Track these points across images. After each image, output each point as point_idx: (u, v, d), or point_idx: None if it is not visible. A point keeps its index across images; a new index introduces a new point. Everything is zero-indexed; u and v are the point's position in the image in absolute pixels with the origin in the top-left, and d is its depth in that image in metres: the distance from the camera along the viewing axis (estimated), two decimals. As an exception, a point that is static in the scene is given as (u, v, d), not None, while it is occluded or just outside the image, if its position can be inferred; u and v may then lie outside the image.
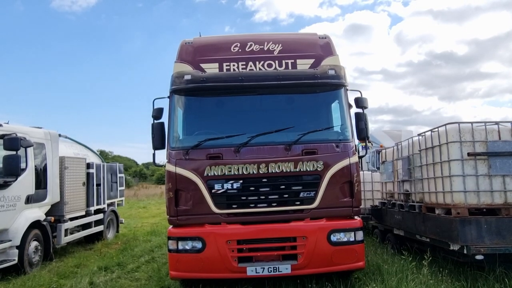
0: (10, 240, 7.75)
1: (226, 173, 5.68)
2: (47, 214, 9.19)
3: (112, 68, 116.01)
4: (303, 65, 6.14)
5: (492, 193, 5.73)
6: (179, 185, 5.75)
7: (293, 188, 5.76)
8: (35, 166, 8.81)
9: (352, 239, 5.73)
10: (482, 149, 5.79)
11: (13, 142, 7.50)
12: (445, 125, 6.03)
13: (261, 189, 5.72)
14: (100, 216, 11.56)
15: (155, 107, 6.18)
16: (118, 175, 13.26)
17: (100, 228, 11.56)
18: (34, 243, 8.42)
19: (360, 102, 6.38)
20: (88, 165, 11.01)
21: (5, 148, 7.49)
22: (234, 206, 5.73)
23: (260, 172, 5.68)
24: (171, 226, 5.88)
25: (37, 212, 8.66)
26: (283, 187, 5.75)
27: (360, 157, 6.61)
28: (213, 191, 5.69)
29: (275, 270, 5.56)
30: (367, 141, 6.39)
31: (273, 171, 5.69)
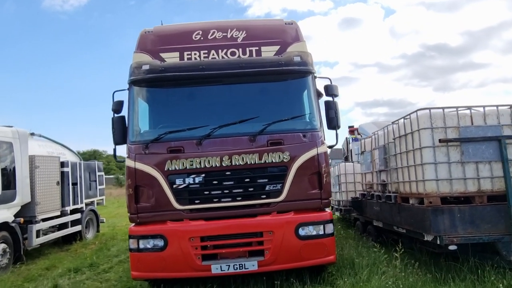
0: (-26, 243, 7.45)
1: (187, 167, 5.41)
2: (18, 215, 8.89)
3: (105, 67, 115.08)
4: (268, 52, 5.86)
5: (465, 181, 5.51)
6: (139, 181, 5.47)
7: (259, 181, 5.51)
8: (3, 166, 8.50)
9: (321, 232, 5.49)
10: (455, 135, 5.56)
11: (-28, 141, 7.16)
12: (416, 111, 5.79)
13: (224, 183, 5.46)
14: (77, 216, 11.24)
15: (115, 100, 5.89)
16: (97, 173, 12.94)
17: (77, 228, 11.24)
18: (1, 246, 8.11)
19: (329, 90, 6.12)
20: (63, 164, 10.69)
21: (-36, 148, 7.15)
22: (196, 201, 5.46)
23: (223, 165, 5.42)
24: (132, 224, 5.61)
25: (5, 214, 8.34)
26: (247, 180, 5.49)
27: (330, 147, 6.35)
28: (174, 186, 5.42)
29: (241, 267, 5.32)
30: (337, 131, 6.12)
31: (237, 164, 5.43)
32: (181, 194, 5.43)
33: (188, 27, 6.11)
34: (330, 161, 11.58)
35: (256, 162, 5.45)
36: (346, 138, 15.53)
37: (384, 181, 7.38)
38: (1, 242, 8.15)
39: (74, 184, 11.20)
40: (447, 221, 5.36)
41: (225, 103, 5.97)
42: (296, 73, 5.78)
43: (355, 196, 9.79)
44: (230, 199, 5.46)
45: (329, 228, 5.56)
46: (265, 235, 5.40)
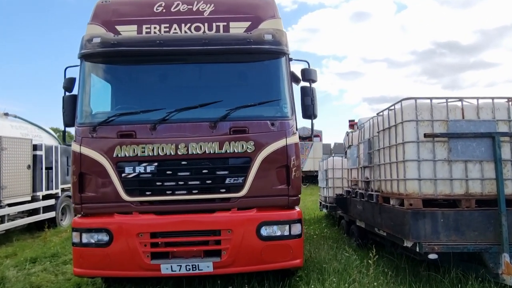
0: None
1: (138, 154, 4.81)
2: (-19, 199, 8.41)
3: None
4: (237, 28, 5.20)
5: (452, 182, 4.87)
6: (84, 168, 4.89)
7: (218, 172, 4.90)
8: (-36, 146, 7.98)
9: (286, 233, 4.89)
10: (442, 129, 4.92)
11: None
12: (400, 101, 5.14)
13: (179, 174, 4.86)
14: (51, 201, 10.74)
15: (66, 77, 5.28)
16: (77, 158, 12.39)
17: (51, 214, 10.75)
18: (-43, 231, 7.63)
19: (307, 74, 5.45)
20: (35, 147, 10.15)
21: None
22: (147, 193, 4.88)
23: (179, 153, 4.81)
24: (77, 216, 5.04)
25: (-37, 197, 7.84)
26: (205, 171, 4.89)
27: (304, 139, 5.73)
28: (123, 175, 4.83)
29: (194, 269, 4.73)
30: (312, 121, 5.48)
31: (194, 153, 4.82)
32: (130, 184, 4.84)
33: None
34: (333, 156, 11.03)
35: (216, 151, 4.84)
36: (347, 132, 14.96)
37: (368, 178, 6.76)
38: (-42, 227, 7.67)
39: (49, 168, 10.68)
40: (428, 227, 4.75)
41: (185, 84, 5.35)
42: (266, 53, 5.11)
43: (339, 193, 9.17)
44: (185, 192, 4.87)
45: (296, 228, 4.95)
46: (222, 234, 4.81)
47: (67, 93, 5.27)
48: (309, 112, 5.37)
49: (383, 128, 5.80)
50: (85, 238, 4.83)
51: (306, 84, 5.48)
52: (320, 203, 11.40)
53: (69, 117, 5.18)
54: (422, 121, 4.91)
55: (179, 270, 4.73)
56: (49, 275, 6.52)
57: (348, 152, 8.46)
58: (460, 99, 5.02)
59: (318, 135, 31.35)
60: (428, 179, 4.86)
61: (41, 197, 10.24)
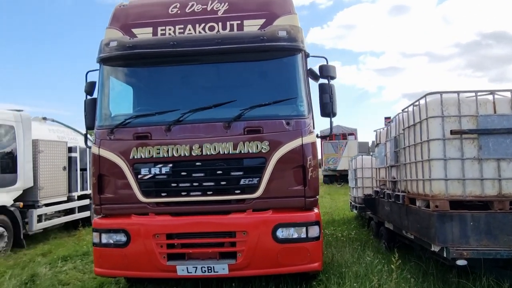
0: (-33, 226, 7.43)
1: (154, 156, 4.84)
2: (20, 199, 8.88)
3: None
4: (252, 26, 5.10)
5: (483, 182, 4.50)
6: (102, 170, 4.99)
7: (232, 173, 4.83)
8: (3, 149, 8.47)
9: (303, 235, 4.73)
10: (471, 125, 4.55)
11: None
12: (425, 95, 4.81)
13: (194, 175, 4.84)
14: (86, 201, 11.16)
15: (87, 81, 5.43)
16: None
17: (86, 214, 11.19)
18: (-2, 229, 8.09)
19: (325, 71, 5.27)
20: (70, 149, 10.59)
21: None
22: (163, 194, 4.90)
23: (193, 154, 4.79)
24: (97, 217, 5.16)
25: (3, 197, 8.31)
26: (220, 172, 4.83)
27: (322, 137, 5.54)
28: (139, 176, 4.88)
29: (209, 271, 4.69)
30: (331, 119, 5.27)
31: (208, 153, 4.78)
32: (146, 186, 4.89)
33: (165, 0, 5.48)
34: (362, 155, 10.66)
35: (230, 152, 4.77)
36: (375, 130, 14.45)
37: (394, 178, 6.43)
38: (-1, 226, 8.14)
39: (83, 169, 11.11)
40: (456, 230, 4.41)
41: (200, 85, 5.32)
42: (281, 50, 4.97)
43: (368, 193, 8.82)
44: (200, 193, 4.84)
45: (314, 230, 4.77)
46: (238, 236, 4.73)
47: (88, 97, 5.42)
48: (327, 110, 5.19)
49: (408, 125, 5.48)
50: (104, 238, 4.93)
51: (325, 81, 5.30)
52: (350, 203, 11.07)
53: (90, 120, 5.31)
54: (448, 117, 4.57)
55: (195, 272, 4.71)
56: (78, 273, 6.75)
57: (376, 150, 8.12)
58: (491, 92, 4.62)
59: (353, 133, 30.62)
60: (455, 179, 4.52)
61: (76, 197, 10.67)
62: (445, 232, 4.42)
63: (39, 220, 9.25)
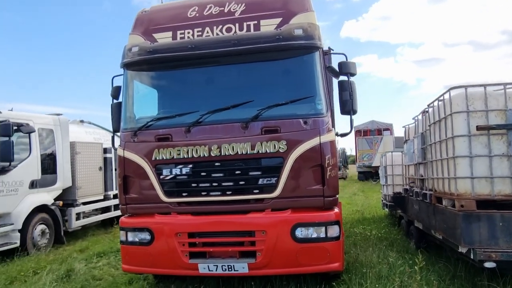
0: (12, 224, 7.98)
1: (174, 157, 4.97)
2: (60, 198, 9.42)
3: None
4: (268, 26, 5.08)
5: (513, 180, 4.24)
6: (127, 171, 5.19)
7: (251, 173, 4.86)
8: (44, 151, 9.00)
9: (323, 235, 4.69)
10: (500, 120, 4.30)
11: (5, 128, 7.59)
12: (449, 90, 4.60)
13: (213, 175, 4.92)
14: (121, 200, 11.62)
15: (113, 86, 5.66)
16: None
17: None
18: (40, 227, 8.63)
19: (344, 68, 5.18)
20: (106, 150, 11.07)
21: (-1, 135, 7.61)
22: (184, 194, 5.02)
23: (212, 155, 4.87)
24: (123, 216, 5.38)
25: (44, 197, 8.84)
26: (238, 172, 4.88)
27: (342, 135, 5.45)
28: (161, 177, 5.03)
29: (230, 269, 4.77)
30: (351, 116, 5.17)
31: (227, 154, 4.84)
32: (168, 186, 5.04)
33: (184, 4, 5.59)
34: (392, 151, 10.32)
35: (248, 152, 4.80)
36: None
37: (422, 176, 6.20)
38: (41, 223, 8.68)
39: (118, 169, 11.56)
40: (484, 231, 4.20)
41: (219, 86, 5.39)
42: (297, 49, 4.93)
43: (398, 191, 8.55)
44: (219, 193, 4.92)
45: (334, 230, 4.72)
46: (257, 235, 4.77)
47: (114, 101, 5.65)
48: (347, 107, 5.10)
49: (433, 121, 5.26)
50: (130, 236, 5.14)
51: (344, 78, 5.21)
52: (382, 201, 10.79)
53: (116, 123, 5.54)
54: (474, 112, 4.35)
55: (216, 270, 4.80)
56: (111, 268, 7.07)
57: (405, 147, 7.86)
58: (522, 84, 4.34)
59: (389, 129, 29.72)
60: (483, 177, 4.30)
61: (112, 196, 11.15)
62: (472, 233, 4.22)
63: (78, 218, 9.77)
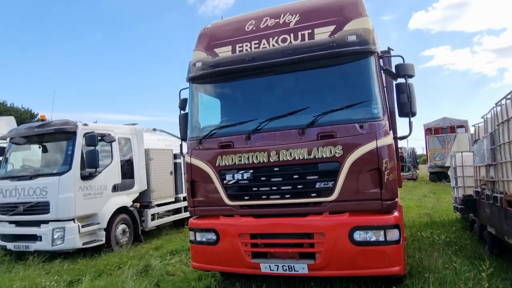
0: (99, 223, 9.00)
1: (236, 163, 5.33)
2: (137, 201, 10.38)
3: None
4: (322, 34, 5.22)
5: None
6: (194, 176, 5.66)
7: (308, 178, 5.04)
8: (123, 158, 10.00)
9: (382, 238, 4.71)
10: None
11: (92, 139, 8.61)
12: (497, 103, 4.37)
13: (272, 179, 5.18)
14: (191, 202, 12.41)
15: (181, 98, 6.19)
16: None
17: (191, 213, 12.43)
18: (121, 226, 9.61)
19: (401, 70, 5.16)
20: (175, 156, 11.92)
21: (86, 144, 8.65)
22: (246, 197, 5.35)
23: (271, 160, 5.14)
24: (192, 217, 5.87)
25: (124, 199, 9.82)
26: (296, 176, 5.09)
27: (400, 138, 5.38)
28: (224, 182, 5.42)
29: (290, 269, 5.00)
30: (410, 118, 5.12)
31: (285, 159, 5.08)
32: (231, 190, 5.40)
33: (242, 18, 5.93)
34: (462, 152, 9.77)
35: (305, 157, 4.99)
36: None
37: (493, 178, 5.86)
38: (122, 223, 9.66)
39: (187, 173, 12.38)
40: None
41: (277, 94, 5.62)
42: (351, 55, 5.01)
43: (469, 193, 8.08)
44: (278, 197, 5.17)
45: (393, 234, 4.72)
46: (315, 237, 4.93)
47: (182, 112, 6.18)
48: (405, 109, 5.07)
49: (502, 121, 4.99)
50: (198, 236, 5.60)
51: (402, 80, 5.18)
52: (453, 204, 10.23)
53: (184, 132, 6.06)
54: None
55: (277, 270, 5.05)
56: (183, 265, 7.66)
57: (475, 147, 7.44)
58: None
59: (463, 126, 27.67)
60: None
61: (182, 198, 11.96)
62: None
63: (153, 219, 10.68)
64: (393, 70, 5.31)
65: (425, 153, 32.38)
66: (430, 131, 28.14)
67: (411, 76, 5.17)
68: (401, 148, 34.93)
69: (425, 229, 9.08)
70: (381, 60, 5.34)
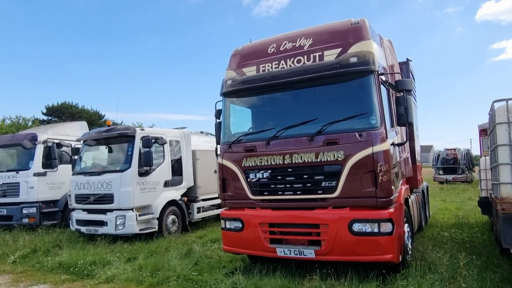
0: (153, 213, 10.58)
1: (258, 164, 6.43)
2: (185, 195, 11.88)
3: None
4: (330, 55, 6.13)
5: (555, 186, 4.48)
6: (225, 174, 6.86)
7: (315, 177, 6.00)
8: (173, 158, 11.53)
9: (376, 230, 5.57)
10: (543, 130, 4.57)
11: (147, 142, 10.18)
12: (492, 103, 5.00)
13: (287, 178, 6.22)
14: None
15: (216, 109, 7.43)
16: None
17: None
18: (171, 217, 11.13)
19: (400, 85, 6.02)
20: (219, 156, 13.26)
21: (143, 146, 10.25)
22: (265, 193, 6.43)
23: (286, 162, 6.17)
24: (223, 208, 7.07)
25: (174, 194, 11.34)
26: (306, 176, 6.07)
27: (398, 145, 6.12)
28: (248, 180, 6.54)
29: (300, 254, 6.02)
30: (407, 128, 5.92)
31: (297, 162, 6.08)
32: (253, 186, 6.51)
33: (266, 41, 6.98)
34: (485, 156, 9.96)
35: (313, 160, 5.96)
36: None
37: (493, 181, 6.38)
38: (172, 214, 11.18)
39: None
40: (525, 233, 4.55)
41: (292, 106, 6.65)
42: (354, 74, 5.89)
43: (484, 196, 8.45)
44: (291, 193, 6.19)
45: (386, 226, 5.55)
46: (321, 227, 5.90)
47: (217, 120, 7.41)
48: (402, 120, 5.89)
49: (490, 129, 5.59)
50: (228, 224, 6.79)
51: (400, 94, 5.98)
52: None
53: (218, 138, 7.29)
54: (515, 123, 4.71)
55: (290, 254, 6.10)
56: (220, 251, 8.86)
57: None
58: None
59: None
60: (523, 183, 4.63)
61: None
62: (511, 234, 4.60)
63: (198, 211, 12.13)
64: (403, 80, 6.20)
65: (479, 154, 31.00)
66: (485, 132, 27.00)
67: (408, 91, 5.95)
68: (454, 149, 33.82)
69: (449, 229, 9.51)
70: (400, 69, 6.10)
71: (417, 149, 9.50)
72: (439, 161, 32.77)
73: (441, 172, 32.52)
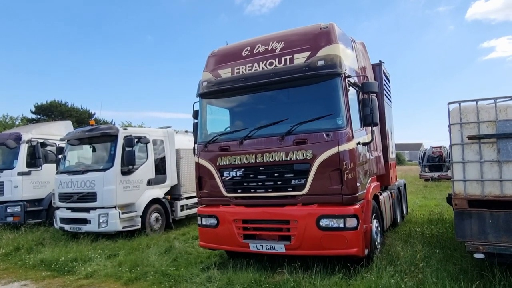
0: (136, 211, 10.77)
1: (232, 163, 6.68)
2: (169, 194, 12.08)
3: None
4: (300, 58, 6.38)
5: (502, 183, 4.79)
6: (201, 173, 7.10)
7: (285, 175, 6.27)
8: (157, 156, 11.73)
9: (341, 225, 5.85)
10: (491, 130, 4.88)
11: (130, 141, 10.37)
12: (448, 105, 5.31)
13: (259, 176, 6.47)
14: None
15: (194, 109, 7.65)
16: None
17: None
18: (155, 215, 11.34)
19: (365, 87, 6.30)
20: (204, 155, 13.47)
21: (125, 145, 10.43)
22: (239, 190, 6.68)
23: (258, 161, 6.43)
24: (200, 206, 7.31)
25: (157, 192, 11.55)
26: (276, 174, 6.33)
27: (363, 144, 6.41)
28: (223, 178, 6.78)
29: (271, 248, 6.29)
30: (372, 128, 6.23)
31: (268, 161, 6.34)
32: (228, 184, 6.75)
33: (240, 45, 7.22)
34: None
35: (283, 159, 6.22)
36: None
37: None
38: (155, 212, 11.39)
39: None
40: (475, 227, 4.86)
41: (265, 108, 6.90)
42: (321, 76, 6.16)
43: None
44: (263, 190, 6.44)
45: (351, 222, 5.83)
46: (291, 223, 6.17)
47: (195, 121, 7.63)
48: (368, 120, 6.18)
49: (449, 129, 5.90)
50: (204, 221, 7.03)
51: (365, 96, 6.28)
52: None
53: (195, 138, 7.52)
54: (467, 124, 5.00)
55: (262, 249, 6.36)
56: (200, 248, 9.12)
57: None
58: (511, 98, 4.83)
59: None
60: (474, 180, 4.94)
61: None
62: (464, 228, 4.91)
63: (182, 209, 12.33)
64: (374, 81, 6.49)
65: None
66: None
67: (374, 93, 6.24)
68: (440, 147, 34.40)
69: (422, 225, 9.84)
70: (373, 71, 6.42)
71: (391, 148, 9.81)
72: (425, 159, 33.30)
73: (427, 169, 33.03)
